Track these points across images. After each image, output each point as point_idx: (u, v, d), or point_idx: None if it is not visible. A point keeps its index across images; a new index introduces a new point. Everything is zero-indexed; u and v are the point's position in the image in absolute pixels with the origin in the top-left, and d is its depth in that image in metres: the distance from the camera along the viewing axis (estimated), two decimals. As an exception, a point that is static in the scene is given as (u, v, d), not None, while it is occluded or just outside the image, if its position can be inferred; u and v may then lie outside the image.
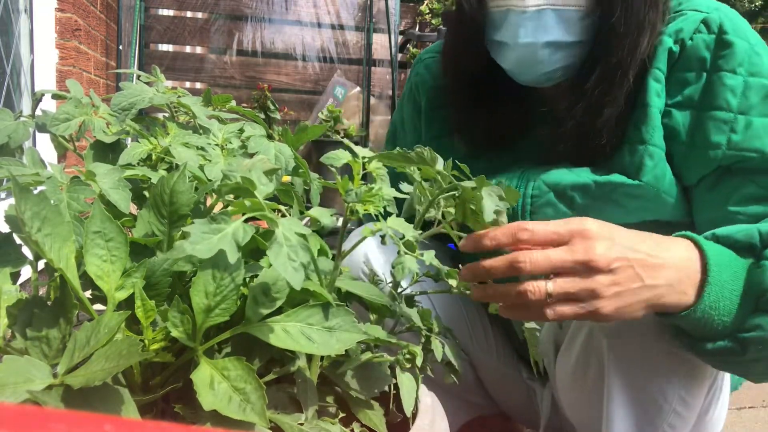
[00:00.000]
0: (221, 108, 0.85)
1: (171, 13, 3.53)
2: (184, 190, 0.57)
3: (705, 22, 0.94)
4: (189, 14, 3.55)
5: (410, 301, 0.69)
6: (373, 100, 3.65)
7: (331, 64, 3.63)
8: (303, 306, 0.51)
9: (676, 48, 0.95)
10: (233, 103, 0.87)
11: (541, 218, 1.00)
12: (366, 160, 0.62)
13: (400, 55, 3.59)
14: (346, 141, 0.67)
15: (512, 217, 1.02)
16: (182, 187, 0.57)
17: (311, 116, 3.57)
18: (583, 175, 0.99)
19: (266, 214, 0.50)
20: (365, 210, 0.56)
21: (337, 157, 0.59)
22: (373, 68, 3.67)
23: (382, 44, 3.64)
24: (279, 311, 0.52)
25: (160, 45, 3.56)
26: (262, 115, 3.28)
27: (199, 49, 3.57)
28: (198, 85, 3.58)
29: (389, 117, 3.58)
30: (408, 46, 3.65)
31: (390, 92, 3.57)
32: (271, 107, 3.30)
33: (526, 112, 1.08)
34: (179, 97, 0.79)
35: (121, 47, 3.18)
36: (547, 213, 1.00)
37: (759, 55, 0.91)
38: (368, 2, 3.63)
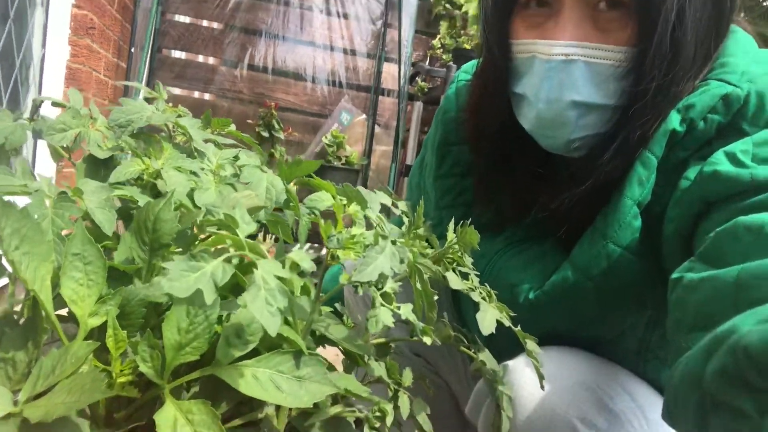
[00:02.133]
0: (219, 131, 0.85)
1: (187, 19, 3.54)
2: (168, 219, 0.57)
3: (726, 98, 0.74)
4: (205, 23, 3.57)
5: (385, 348, 0.68)
6: (377, 129, 3.66)
7: (340, 88, 3.64)
8: (275, 352, 0.51)
9: (681, 128, 0.76)
10: (233, 126, 0.87)
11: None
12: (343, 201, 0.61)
13: (408, 87, 3.61)
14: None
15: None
16: (167, 215, 0.57)
17: (315, 139, 3.57)
18: (533, 285, 0.87)
19: (247, 254, 0.49)
20: (346, 256, 0.55)
21: (320, 200, 0.59)
22: (381, 97, 3.68)
23: (392, 74, 3.66)
24: (252, 352, 0.51)
25: (173, 51, 3.57)
26: (266, 134, 3.28)
27: (211, 60, 3.58)
28: (206, 96, 3.58)
29: (392, 148, 3.59)
30: (417, 78, 3.68)
31: (395, 123, 3.58)
32: (276, 126, 3.31)
33: (549, 183, 0.88)
34: (178, 116, 0.79)
35: (133, 50, 3.19)
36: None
37: None
38: (382, 30, 3.66)
